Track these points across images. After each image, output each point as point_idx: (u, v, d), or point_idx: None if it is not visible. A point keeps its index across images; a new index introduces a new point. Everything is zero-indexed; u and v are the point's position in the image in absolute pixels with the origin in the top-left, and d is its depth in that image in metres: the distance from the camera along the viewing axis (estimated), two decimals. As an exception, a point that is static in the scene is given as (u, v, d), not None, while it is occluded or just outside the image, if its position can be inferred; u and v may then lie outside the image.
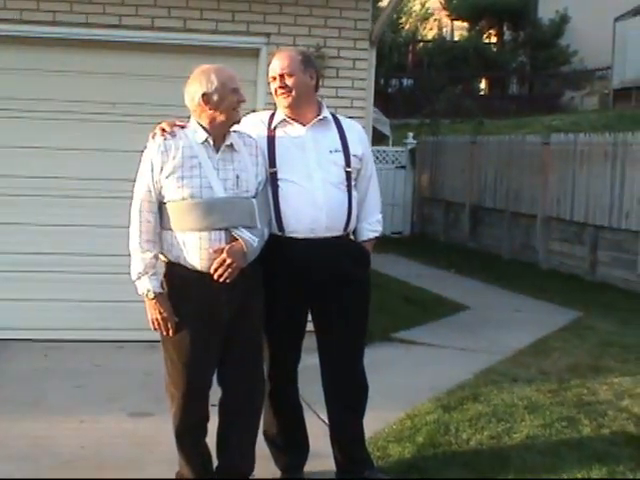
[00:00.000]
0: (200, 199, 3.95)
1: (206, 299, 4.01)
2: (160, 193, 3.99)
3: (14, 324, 7.29)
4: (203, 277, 3.98)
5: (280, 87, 4.21)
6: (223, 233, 3.97)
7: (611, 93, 27.26)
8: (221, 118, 4.00)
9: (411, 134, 17.93)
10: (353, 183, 4.32)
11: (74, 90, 7.29)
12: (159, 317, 4.01)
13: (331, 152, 4.26)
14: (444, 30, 36.86)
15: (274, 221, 4.19)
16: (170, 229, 4.01)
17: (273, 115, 4.33)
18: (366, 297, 4.38)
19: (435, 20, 38.82)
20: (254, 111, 4.54)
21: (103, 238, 7.17)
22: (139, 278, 4.02)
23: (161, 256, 4.09)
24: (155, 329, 4.08)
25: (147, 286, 3.99)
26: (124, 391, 6.15)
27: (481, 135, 16.69)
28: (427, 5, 40.62)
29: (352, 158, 4.31)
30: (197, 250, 3.96)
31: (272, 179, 4.19)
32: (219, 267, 3.93)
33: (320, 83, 4.40)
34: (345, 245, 4.30)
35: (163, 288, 4.05)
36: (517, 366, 7.15)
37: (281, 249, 4.17)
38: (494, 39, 34.55)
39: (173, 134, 4.02)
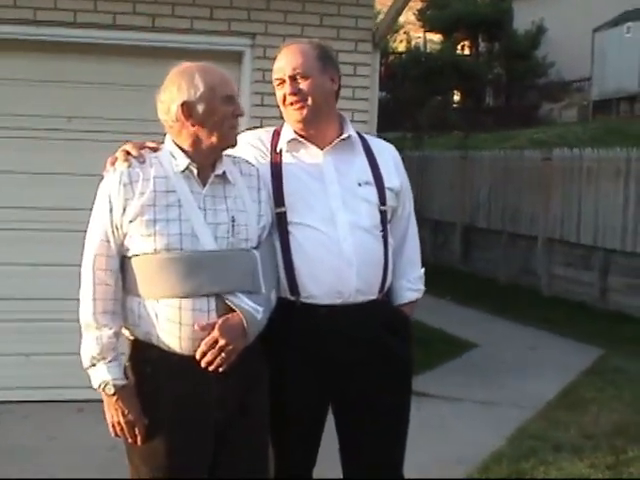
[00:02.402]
0: (179, 252, 2.76)
1: (189, 394, 2.82)
2: (122, 244, 2.80)
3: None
4: (185, 363, 2.78)
5: (291, 93, 3.01)
6: (213, 301, 2.77)
7: (590, 105, 26.69)
8: (210, 138, 2.81)
9: (393, 149, 16.82)
10: (388, 226, 3.16)
11: (19, 102, 6.04)
12: (122, 420, 2.82)
13: (360, 185, 3.07)
14: (413, 43, 36.12)
15: (284, 281, 2.99)
16: (137, 295, 2.81)
17: (278, 133, 3.15)
18: (409, 380, 3.19)
19: (405, 33, 38.15)
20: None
21: (56, 278, 5.93)
22: (93, 365, 2.82)
23: (125, 331, 2.89)
24: (116, 435, 2.88)
25: (104, 377, 2.79)
26: (85, 474, 4.92)
27: (464, 149, 15.67)
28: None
29: (387, 192, 3.13)
30: (176, 325, 2.76)
31: (280, 222, 3.00)
32: (208, 350, 2.75)
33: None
34: (381, 312, 3.10)
35: (128, 378, 2.85)
36: (553, 426, 6.03)
37: (294, 321, 2.99)
38: (468, 51, 33.87)
39: (141, 160, 2.83)
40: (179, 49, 5.96)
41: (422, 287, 3.31)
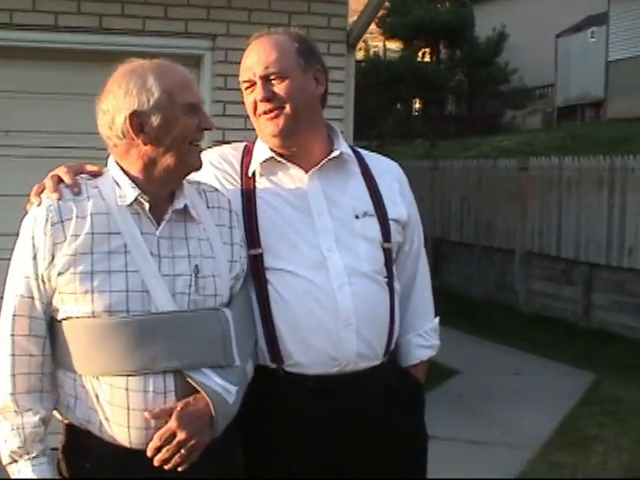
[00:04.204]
0: (125, 316, 2.06)
1: (141, 499, 2.14)
2: (50, 303, 2.11)
3: None
4: (135, 459, 2.09)
5: (263, 99, 2.32)
6: (171, 379, 2.09)
7: (555, 111, 26.43)
8: (166, 160, 2.13)
9: (359, 160, 16.26)
10: (394, 268, 2.49)
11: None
12: (52, 534, 2.13)
13: (357, 217, 2.39)
14: (371, 51, 35.76)
15: (262, 345, 2.30)
16: (72, 370, 2.12)
17: (250, 151, 2.45)
18: (423, 463, 2.53)
19: (363, 42, 37.77)
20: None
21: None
22: (14, 462, 2.12)
23: (57, 414, 2.20)
24: None
25: (28, 477, 2.10)
26: None
27: (431, 159, 15.14)
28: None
29: (392, 225, 2.46)
30: (122, 411, 2.07)
31: (255, 268, 2.31)
32: (163, 445, 2.06)
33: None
34: (386, 380, 2.41)
35: (62, 475, 2.16)
36: (556, 470, 5.39)
37: (275, 396, 2.30)
38: (429, 58, 33.52)
39: (76, 190, 2.13)
40: (130, 52, 5.21)
41: (437, 342, 2.65)
